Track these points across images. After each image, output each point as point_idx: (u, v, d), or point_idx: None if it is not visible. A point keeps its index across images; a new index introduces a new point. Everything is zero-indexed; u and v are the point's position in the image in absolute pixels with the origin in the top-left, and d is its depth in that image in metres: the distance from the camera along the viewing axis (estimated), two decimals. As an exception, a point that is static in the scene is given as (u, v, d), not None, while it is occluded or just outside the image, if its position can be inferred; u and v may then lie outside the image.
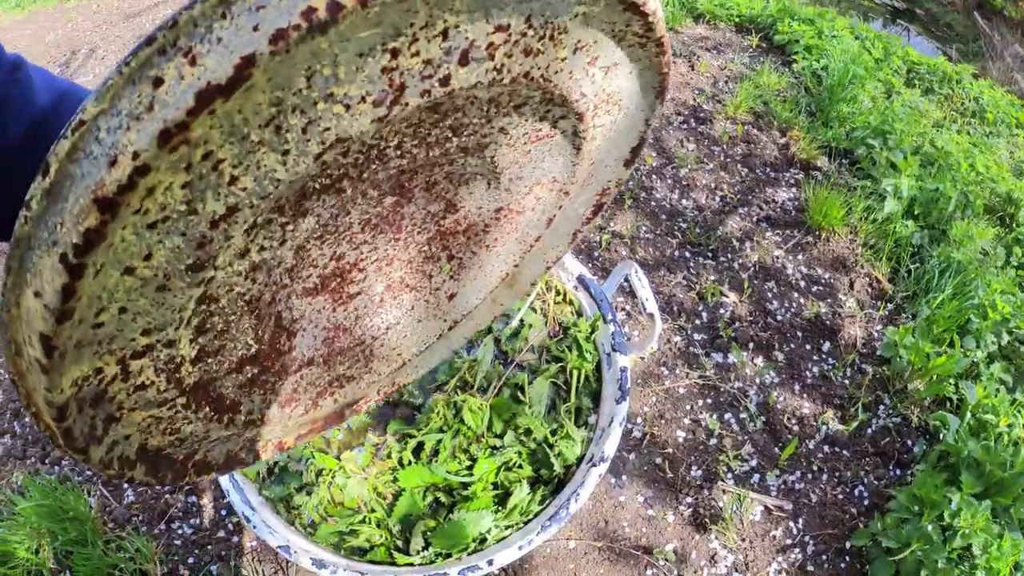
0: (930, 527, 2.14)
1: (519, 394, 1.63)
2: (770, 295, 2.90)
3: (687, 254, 3.00)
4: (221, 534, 2.19)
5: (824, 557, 2.26)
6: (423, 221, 0.94)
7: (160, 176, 0.50)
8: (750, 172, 3.43)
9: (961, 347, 2.73)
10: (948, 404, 2.67)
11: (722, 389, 2.58)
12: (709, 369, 2.62)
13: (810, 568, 2.23)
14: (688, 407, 2.52)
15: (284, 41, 0.46)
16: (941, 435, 2.48)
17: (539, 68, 0.71)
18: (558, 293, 1.79)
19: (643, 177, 3.32)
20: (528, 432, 1.58)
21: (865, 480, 2.44)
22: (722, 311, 2.81)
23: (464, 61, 0.62)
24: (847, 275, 3.02)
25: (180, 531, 2.17)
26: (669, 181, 3.31)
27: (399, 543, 1.48)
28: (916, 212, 3.32)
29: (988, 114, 4.55)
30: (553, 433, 1.58)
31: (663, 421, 2.47)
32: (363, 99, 0.57)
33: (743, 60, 4.18)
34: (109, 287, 0.56)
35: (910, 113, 3.91)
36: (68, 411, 0.62)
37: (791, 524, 2.31)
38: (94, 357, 0.61)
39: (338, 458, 1.52)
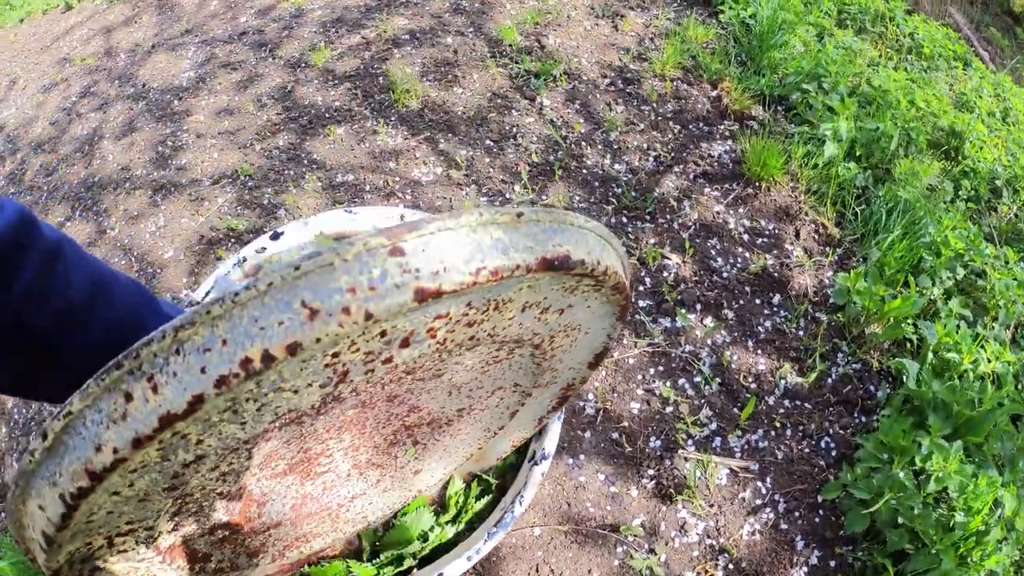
0: (902, 474, 2.06)
1: None
2: (714, 253, 2.79)
3: (624, 219, 2.88)
4: None
5: (797, 514, 2.18)
6: (387, 420, 1.01)
7: (132, 459, 0.58)
8: (683, 129, 3.31)
9: (916, 287, 2.65)
10: (909, 345, 2.59)
11: (673, 355, 2.47)
12: (658, 336, 2.51)
13: (783, 526, 2.15)
14: (640, 377, 2.41)
15: (226, 385, 0.53)
16: (904, 377, 2.40)
17: (484, 331, 0.76)
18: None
19: (572, 145, 3.19)
20: None
21: (830, 431, 2.36)
22: (665, 274, 2.69)
23: (405, 344, 0.67)
24: (792, 224, 2.92)
25: None
26: (600, 147, 3.19)
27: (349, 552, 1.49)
28: (858, 153, 3.24)
29: (925, 48, 4.50)
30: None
31: (615, 395, 2.36)
32: (309, 385, 0.64)
33: (668, 15, 4.07)
34: (99, 503, 0.64)
35: (844, 54, 3.83)
36: (60, 571, 0.71)
37: (759, 484, 2.22)
38: (85, 537, 0.69)
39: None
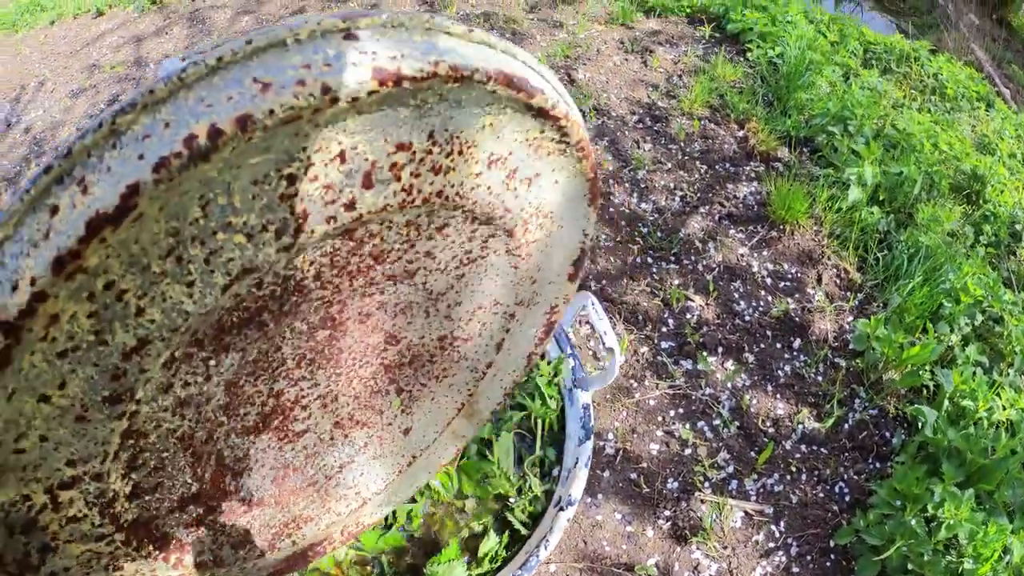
0: (913, 521, 2.11)
1: (486, 451, 1.58)
2: (736, 295, 2.84)
3: (649, 260, 2.94)
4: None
5: (809, 558, 2.22)
6: (364, 355, 0.92)
7: (62, 304, 0.50)
8: (709, 169, 3.37)
9: (935, 333, 2.69)
10: (925, 391, 2.63)
11: (693, 397, 2.53)
12: (679, 378, 2.57)
13: (795, 570, 2.19)
14: (660, 418, 2.46)
15: (167, 169, 0.46)
16: (920, 424, 2.44)
17: (452, 186, 0.71)
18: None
19: (600, 182, 3.25)
20: (496, 497, 1.54)
21: (845, 476, 2.40)
22: (689, 316, 2.75)
23: (368, 183, 0.61)
24: (814, 268, 2.98)
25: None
26: (627, 185, 3.25)
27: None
28: (881, 197, 3.28)
29: (948, 89, 4.53)
30: (519, 491, 1.54)
31: (635, 435, 2.42)
32: (264, 228, 0.57)
33: (697, 52, 4.13)
34: (26, 413, 0.56)
35: (869, 96, 3.87)
36: (3, 556, 0.62)
37: (773, 527, 2.27)
38: (19, 483, 0.61)
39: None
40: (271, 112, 0.49)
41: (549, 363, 1.67)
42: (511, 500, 1.54)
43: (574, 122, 0.74)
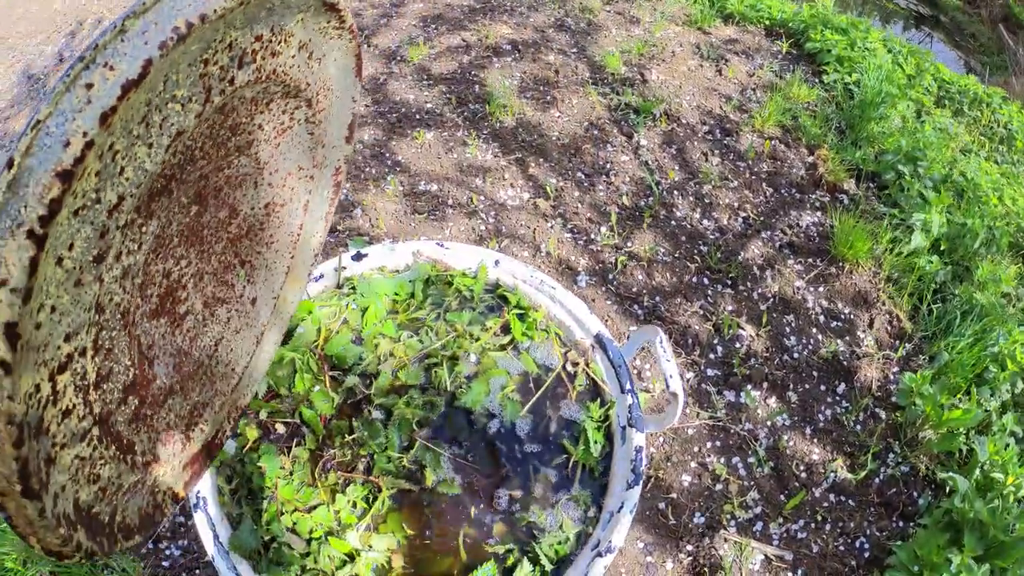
0: (929, 590, 2.10)
1: (528, 483, 1.54)
2: (788, 330, 2.79)
3: (705, 280, 2.88)
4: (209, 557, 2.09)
5: (821, 611, 2.21)
6: (216, 230, 1.11)
7: (89, 161, 0.65)
8: (775, 192, 3.30)
9: (977, 398, 2.64)
10: (958, 454, 2.59)
11: (732, 431, 2.49)
12: (721, 409, 2.52)
13: (806, 622, 2.18)
14: (696, 449, 2.43)
15: (164, 48, 0.67)
16: (947, 488, 2.42)
17: (281, 66, 0.98)
18: (574, 364, 1.67)
19: (664, 193, 3.18)
20: (524, 528, 1.49)
21: (867, 531, 2.37)
22: (738, 345, 2.70)
23: (240, 65, 0.86)
24: (868, 312, 2.92)
25: (168, 552, 2.05)
26: (691, 198, 3.18)
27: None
28: (942, 248, 3.21)
29: (1017, 142, 4.42)
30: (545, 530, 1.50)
31: (669, 464, 2.38)
32: (190, 99, 0.80)
33: (772, 68, 4.02)
34: (48, 276, 0.66)
35: (940, 137, 3.78)
36: (23, 435, 0.68)
37: (790, 575, 2.24)
38: (34, 369, 0.69)
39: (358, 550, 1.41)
40: (215, 10, 0.72)
41: (602, 405, 1.61)
42: (539, 535, 1.49)
43: (348, 12, 1.03)
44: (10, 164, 0.61)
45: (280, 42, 0.94)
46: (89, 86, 0.64)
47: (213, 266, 1.16)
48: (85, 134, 0.63)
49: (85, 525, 0.86)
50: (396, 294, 1.71)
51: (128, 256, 0.84)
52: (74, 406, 0.80)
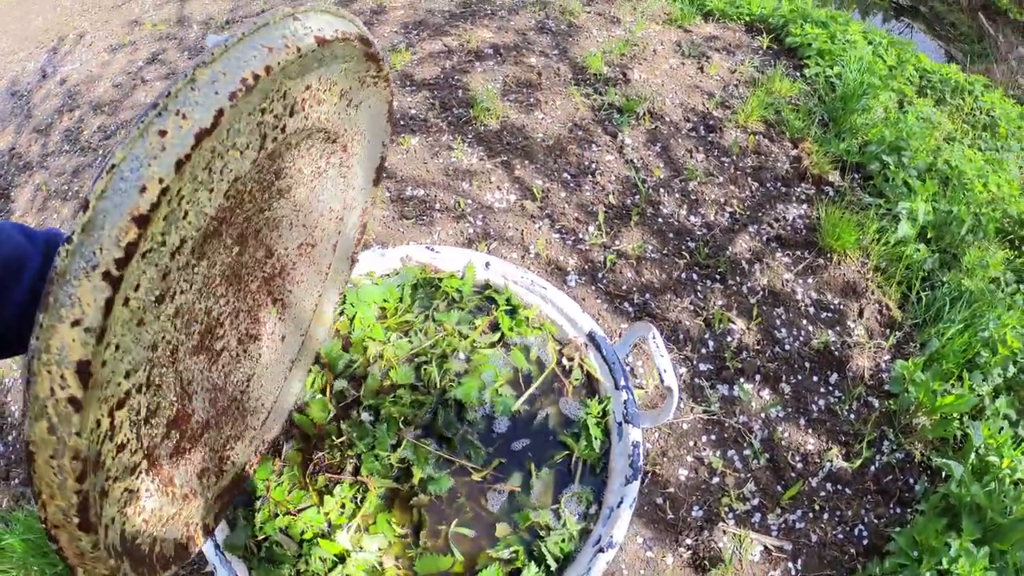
0: (928, 574, 2.11)
1: (528, 480, 1.54)
2: (779, 322, 2.80)
3: (694, 276, 2.89)
4: (209, 568, 2.09)
5: (821, 600, 2.21)
6: (253, 269, 1.12)
7: (162, 206, 0.67)
8: (760, 187, 3.31)
9: (969, 383, 2.66)
10: (952, 439, 2.60)
11: (727, 424, 2.49)
12: (714, 403, 2.53)
13: (807, 611, 2.18)
14: (691, 443, 2.43)
15: (234, 99, 0.70)
16: (943, 473, 2.42)
17: (324, 113, 1.02)
18: (569, 360, 1.68)
19: (650, 191, 3.19)
20: (528, 528, 1.49)
21: (865, 519, 2.38)
22: (729, 339, 2.71)
23: (292, 113, 0.90)
24: (857, 301, 2.93)
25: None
26: (677, 195, 3.19)
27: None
28: (929, 236, 3.23)
29: (1000, 128, 4.45)
30: (550, 528, 1.50)
31: (666, 459, 2.38)
32: (247, 146, 0.82)
33: (754, 63, 4.04)
34: (116, 316, 0.67)
35: (923, 127, 3.80)
36: (86, 469, 0.69)
37: (790, 564, 2.25)
38: (97, 405, 0.70)
39: (349, 552, 1.41)
40: (278, 64, 0.75)
41: (600, 402, 1.61)
42: (543, 533, 1.49)
43: (385, 62, 1.06)
44: (84, 206, 0.63)
45: (325, 91, 0.97)
46: (163, 133, 0.66)
47: (248, 304, 1.18)
48: (161, 180, 0.65)
49: (130, 556, 0.88)
50: (385, 300, 1.72)
51: (181, 296, 0.86)
52: (128, 441, 0.82)
